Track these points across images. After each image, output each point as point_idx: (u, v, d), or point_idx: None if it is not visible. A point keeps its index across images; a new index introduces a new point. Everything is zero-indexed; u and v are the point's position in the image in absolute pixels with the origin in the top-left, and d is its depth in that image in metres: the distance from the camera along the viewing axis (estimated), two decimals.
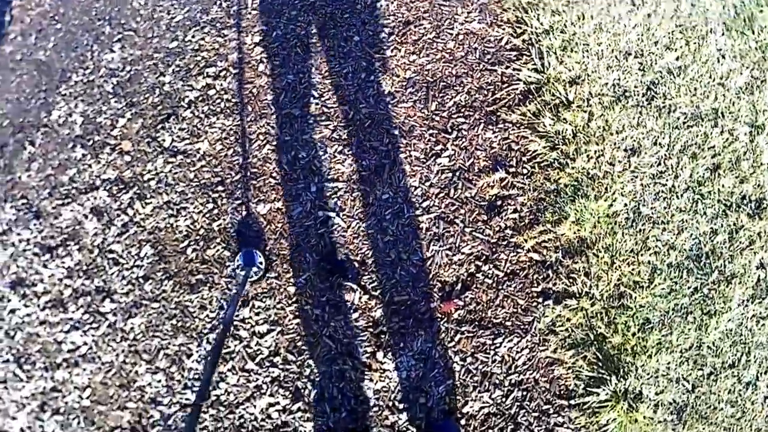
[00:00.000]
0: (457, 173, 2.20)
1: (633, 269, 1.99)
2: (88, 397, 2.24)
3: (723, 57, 2.35)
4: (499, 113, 2.28)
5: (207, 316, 2.18)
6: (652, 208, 2.18)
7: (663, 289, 1.97)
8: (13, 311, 2.49)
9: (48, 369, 2.28)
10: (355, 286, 2.11)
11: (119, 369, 2.20)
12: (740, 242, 2.04)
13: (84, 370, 2.26)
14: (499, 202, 2.16)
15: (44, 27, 3.31)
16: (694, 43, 2.38)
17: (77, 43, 3.06)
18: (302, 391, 1.99)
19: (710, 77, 2.31)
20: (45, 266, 2.49)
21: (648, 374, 1.88)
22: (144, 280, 2.30)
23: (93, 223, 2.50)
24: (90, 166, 2.61)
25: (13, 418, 2.23)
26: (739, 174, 2.16)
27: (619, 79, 2.34)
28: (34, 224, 2.61)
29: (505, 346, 1.91)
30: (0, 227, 2.69)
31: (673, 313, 1.96)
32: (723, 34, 2.40)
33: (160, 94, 2.66)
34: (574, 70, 2.33)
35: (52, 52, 3.14)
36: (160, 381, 2.13)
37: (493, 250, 2.08)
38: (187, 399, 2.08)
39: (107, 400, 2.17)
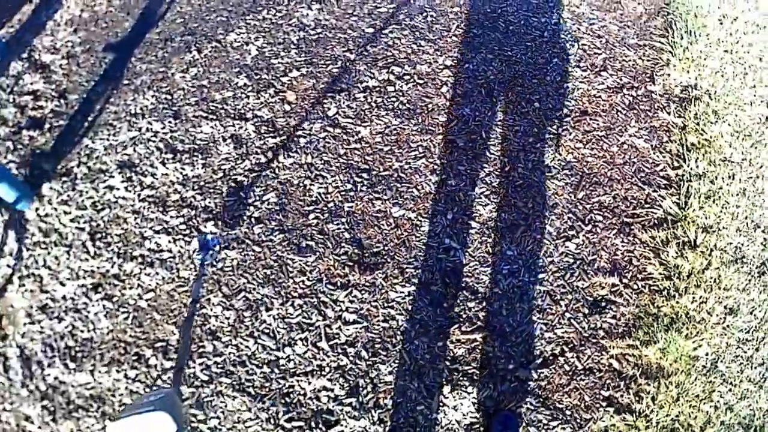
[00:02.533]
0: (578, 262, 2.49)
1: (692, 412, 2.31)
2: (148, 300, 2.49)
3: None
4: (633, 227, 2.58)
5: (302, 282, 2.44)
6: (727, 366, 2.44)
7: None
8: (110, 187, 2.75)
9: (120, 256, 2.49)
10: (450, 319, 2.33)
11: (193, 289, 2.36)
12: None
13: (157, 273, 2.53)
14: (603, 303, 2.44)
15: None
16: None
17: None
18: (360, 389, 2.18)
19: None
20: (163, 164, 2.75)
21: None
22: (256, 222, 2.55)
23: (229, 148, 2.76)
24: (248, 97, 2.90)
25: (62, 284, 2.40)
26: None
27: (742, 244, 2.72)
28: (169, 122, 2.88)
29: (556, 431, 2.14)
30: (134, 108, 2.86)
31: None
32: None
33: (341, 68, 2.97)
34: (708, 219, 2.67)
35: None
36: (228, 318, 2.34)
37: (582, 342, 2.36)
38: (247, 347, 2.25)
39: (166, 311, 2.39)
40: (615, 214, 2.66)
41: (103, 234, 2.58)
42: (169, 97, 2.99)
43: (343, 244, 2.53)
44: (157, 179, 2.73)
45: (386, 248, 2.51)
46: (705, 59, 3.28)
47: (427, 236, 2.54)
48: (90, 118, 2.95)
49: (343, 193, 2.63)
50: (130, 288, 2.46)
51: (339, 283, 2.43)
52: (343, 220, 2.57)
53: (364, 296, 2.41)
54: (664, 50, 3.29)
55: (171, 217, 2.63)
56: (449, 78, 2.96)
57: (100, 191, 2.70)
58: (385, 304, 2.40)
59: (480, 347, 2.31)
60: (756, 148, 2.94)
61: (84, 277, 2.48)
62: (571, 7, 3.49)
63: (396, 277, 2.45)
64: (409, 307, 2.39)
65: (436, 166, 2.69)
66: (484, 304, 2.40)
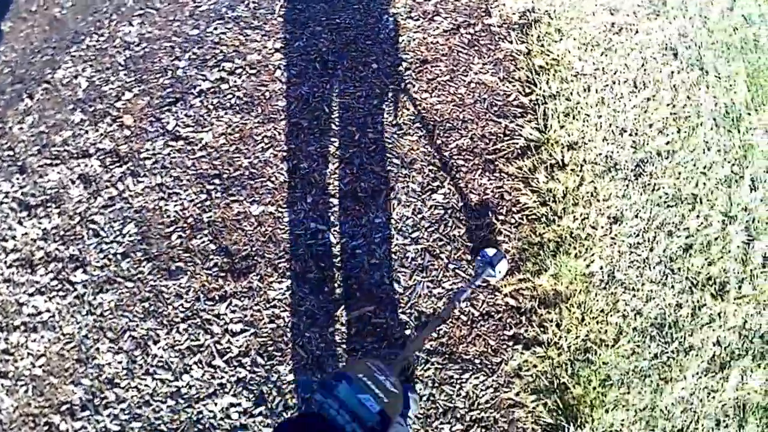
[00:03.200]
0: (449, 211, 2.47)
1: (601, 328, 2.29)
2: (41, 366, 2.41)
3: (708, 149, 2.76)
4: (497, 163, 2.56)
5: (181, 305, 2.38)
6: (625, 274, 2.47)
7: (626, 350, 2.28)
8: None
9: (3, 329, 2.40)
10: (334, 302, 2.30)
11: (80, 343, 2.38)
12: (701, 318, 2.42)
13: (42, 337, 2.44)
14: (483, 246, 2.39)
15: None
16: (685, 131, 2.81)
17: (96, 9, 3.37)
18: (266, 396, 2.16)
19: (694, 165, 2.71)
20: (20, 223, 2.66)
21: (603, 428, 2.12)
22: (122, 257, 2.49)
23: (79, 190, 2.69)
24: (87, 132, 2.82)
25: None
26: (708, 256, 2.50)
27: (612, 152, 2.72)
28: (17, 178, 2.78)
29: (470, 383, 2.15)
30: None
31: (632, 374, 2.27)
32: (712, 129, 2.83)
33: (171, 77, 2.89)
34: (572, 136, 2.67)
35: (68, 12, 3.40)
36: (120, 362, 2.28)
37: (473, 289, 2.30)
38: (146, 385, 2.21)
39: (61, 372, 2.32)
40: (476, 154, 2.65)
41: None
42: (11, 153, 2.88)
43: (211, 257, 2.48)
44: (18, 241, 2.64)
45: (254, 249, 2.47)
46: None
47: (291, 226, 2.50)
48: None
49: (199, 205, 2.57)
50: (21, 359, 2.39)
51: (216, 297, 2.40)
52: (206, 231, 2.52)
53: (245, 303, 2.37)
54: None
55: (40, 275, 2.55)
56: (281, 60, 2.90)
57: None
58: (267, 305, 2.37)
59: (372, 321, 2.30)
60: (606, 55, 2.96)
61: None
62: None
63: (270, 276, 2.41)
64: (291, 301, 2.36)
65: (285, 154, 2.64)
66: (364, 277, 2.38)
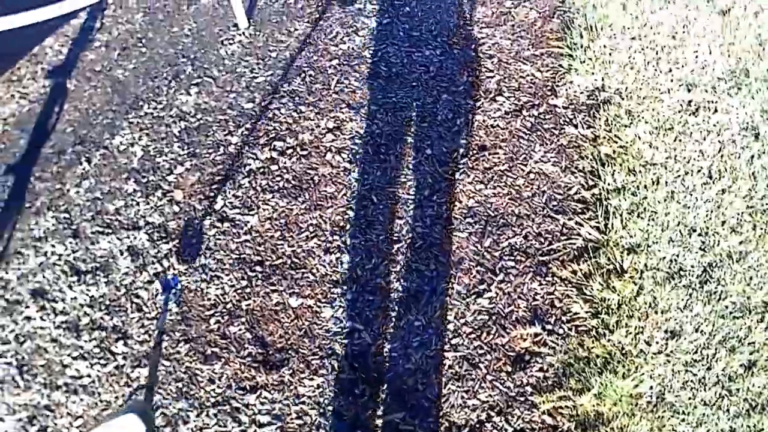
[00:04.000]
0: (494, 318, 2.54)
1: None
2: (78, 427, 2.62)
3: None
4: (550, 266, 2.61)
5: (213, 390, 2.56)
6: (677, 396, 2.44)
7: None
8: (28, 318, 2.91)
9: (47, 386, 2.70)
10: (364, 405, 2.40)
11: (116, 411, 2.52)
12: None
13: (81, 400, 2.74)
14: (527, 357, 2.49)
15: (129, 46, 4.01)
16: (761, 228, 2.75)
17: (156, 74, 3.69)
18: None
19: None
20: (70, 287, 2.96)
21: None
22: (160, 335, 2.63)
23: (126, 262, 2.94)
24: (138, 204, 3.07)
25: (1, 420, 2.57)
26: None
27: (677, 256, 2.77)
28: (70, 242, 3.08)
29: None
30: (38, 232, 3.10)
31: None
32: None
33: (223, 153, 3.10)
34: (635, 237, 2.71)
35: (130, 74, 3.78)
36: None
37: (509, 403, 2.44)
38: None
39: None
40: (529, 255, 2.69)
41: (29, 366, 2.77)
42: (67, 216, 3.19)
43: (246, 346, 2.65)
44: (67, 304, 2.91)
45: (289, 342, 2.62)
46: (611, 53, 3.31)
47: (328, 322, 2.64)
48: (1, 248, 3.15)
49: (239, 291, 2.76)
50: (61, 417, 2.64)
51: (248, 387, 2.56)
52: (243, 320, 2.69)
53: (274, 396, 2.52)
54: (563, 55, 3.33)
55: (84, 341, 2.81)
56: (333, 142, 3.07)
57: (20, 323, 2.89)
58: (296, 401, 2.50)
59: (400, 428, 2.39)
60: (680, 141, 2.94)
61: (20, 411, 2.68)
62: (457, 31, 3.66)
63: (302, 372, 2.56)
64: (321, 400, 2.48)
65: (329, 244, 2.80)
66: (397, 382, 2.47)
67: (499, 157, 2.95)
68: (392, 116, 3.13)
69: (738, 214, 2.74)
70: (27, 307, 2.96)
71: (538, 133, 3.03)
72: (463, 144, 3.02)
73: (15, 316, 2.92)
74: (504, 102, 3.18)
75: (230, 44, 3.70)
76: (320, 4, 4.07)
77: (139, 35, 3.89)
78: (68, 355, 2.79)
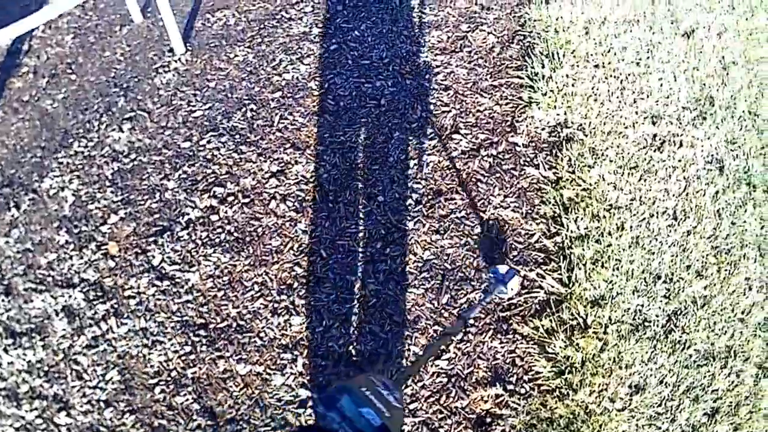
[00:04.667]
0: (453, 379, 2.51)
1: None
2: None
3: (750, 288, 2.74)
4: (511, 322, 2.58)
5: None
6: None
7: None
8: None
9: None
10: None
11: None
12: None
13: None
14: (489, 420, 2.46)
15: (58, 73, 3.95)
16: (726, 269, 2.78)
17: (87, 105, 3.67)
18: None
19: (732, 311, 2.69)
20: (5, 351, 2.82)
21: None
22: (105, 405, 2.69)
23: (63, 324, 2.87)
24: (71, 257, 2.97)
25: None
26: (734, 421, 2.48)
27: (642, 306, 2.74)
28: (2, 300, 2.98)
29: None
30: None
31: None
32: (755, 261, 2.81)
33: (159, 201, 2.98)
34: (599, 289, 2.71)
35: (60, 106, 3.70)
36: None
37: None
38: None
39: None
40: (488, 311, 2.66)
41: None
42: None
43: (194, 417, 2.60)
44: (4, 369, 2.79)
45: (239, 412, 2.57)
46: (573, 84, 3.26)
47: (280, 390, 2.60)
48: None
49: (183, 357, 2.68)
50: None
51: None
52: (190, 389, 2.63)
53: None
54: (523, 86, 3.25)
55: (26, 411, 2.70)
56: (277, 188, 2.98)
57: None
58: None
59: None
60: (645, 180, 2.92)
61: None
62: (410, 58, 3.60)
63: None
64: None
65: (276, 305, 2.73)
66: None
67: (456, 203, 2.89)
68: (341, 158, 3.04)
69: (703, 256, 2.76)
70: None
71: (498, 175, 2.98)
72: (418, 189, 2.96)
73: None
74: (461, 140, 3.14)
75: (165, 72, 3.55)
76: (262, 26, 3.96)
77: (69, 60, 3.72)
78: (10, 426, 2.68)
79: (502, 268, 2.50)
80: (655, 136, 3.16)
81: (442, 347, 2.58)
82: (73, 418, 2.73)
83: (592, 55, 3.50)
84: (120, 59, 3.80)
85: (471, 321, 2.52)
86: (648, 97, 3.32)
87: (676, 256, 2.79)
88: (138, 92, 3.53)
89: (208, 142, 3.21)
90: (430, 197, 2.97)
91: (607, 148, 3.08)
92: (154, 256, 2.96)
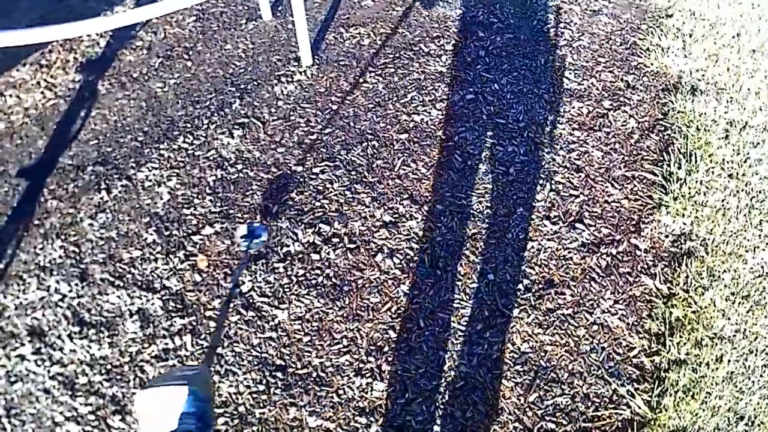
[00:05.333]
0: None
1: None
2: None
3: None
4: None
5: None
6: None
7: None
8: (21, 357, 2.77)
9: None
10: None
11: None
12: None
13: None
14: None
15: (173, 55, 4.19)
16: None
17: (199, 98, 3.92)
18: None
19: None
20: (70, 337, 3.22)
21: None
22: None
23: (135, 326, 3.20)
24: (156, 260, 3.28)
25: None
26: None
27: None
28: (76, 285, 3.36)
29: None
30: (42, 260, 3.03)
31: None
32: None
33: (260, 223, 3.02)
34: (683, 420, 2.82)
35: (170, 91, 3.65)
36: None
37: None
38: None
39: None
40: (571, 418, 2.60)
41: (18, 411, 2.66)
42: (76, 250, 3.08)
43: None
44: (65, 355, 2.81)
45: None
46: (705, 192, 3.27)
47: None
48: (1, 266, 2.98)
49: (255, 395, 2.65)
50: None
51: None
52: (254, 428, 2.55)
53: None
54: (655, 184, 3.17)
55: (80, 404, 2.70)
56: (387, 241, 2.93)
57: (12, 360, 2.77)
58: None
59: None
60: (753, 312, 2.91)
61: None
62: (546, 126, 3.54)
63: None
64: None
65: (362, 365, 2.68)
66: None
67: (565, 299, 2.81)
68: (458, 222, 2.98)
69: None
70: (22, 344, 2.87)
71: (612, 277, 2.89)
72: (530, 274, 2.90)
73: (8, 351, 2.82)
74: (583, 231, 3.09)
75: (288, 82, 3.54)
76: (397, 55, 3.97)
77: (187, 44, 3.77)
78: (60, 414, 2.70)
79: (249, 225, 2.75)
80: None
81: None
82: (128, 424, 2.72)
83: (728, 162, 3.47)
84: (241, 55, 3.85)
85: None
86: None
87: (764, 398, 2.70)
88: (255, 97, 3.55)
89: (322, 171, 3.21)
90: (540, 286, 2.91)
91: (724, 271, 3.05)
92: (243, 282, 2.98)
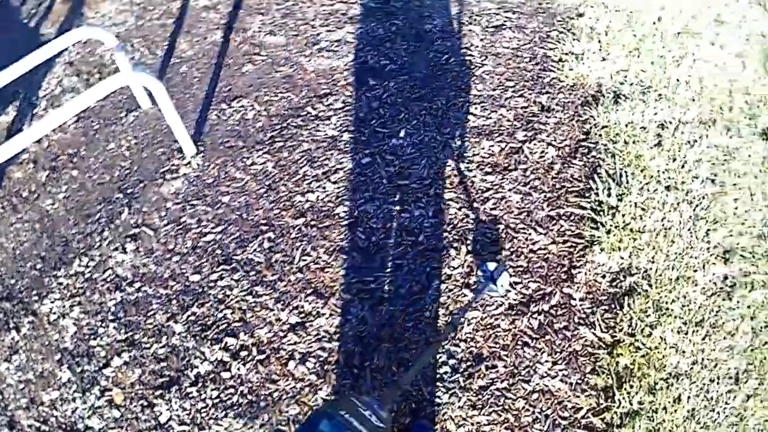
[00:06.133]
0: None
1: None
2: None
3: None
4: None
5: None
6: None
7: None
8: None
9: None
10: None
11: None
12: None
13: None
14: None
15: (58, 166, 3.72)
16: None
17: (89, 212, 3.47)
18: None
19: None
20: None
21: None
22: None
23: None
24: (75, 399, 3.05)
25: None
26: None
27: None
28: None
29: None
30: None
31: None
32: None
33: (166, 345, 2.87)
34: None
35: (60, 207, 3.54)
36: None
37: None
38: None
39: None
40: None
41: None
42: (0, 396, 2.90)
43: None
44: None
45: None
46: (642, 215, 3.13)
47: None
48: None
49: None
50: None
51: None
52: None
53: None
54: (585, 219, 3.03)
55: None
56: (297, 345, 2.92)
57: None
58: None
59: None
60: (710, 338, 2.85)
61: None
62: (455, 177, 3.38)
63: None
64: None
65: None
66: None
67: (497, 372, 2.72)
68: (369, 311, 2.93)
69: (760, 423, 2.57)
70: None
71: (548, 337, 2.80)
72: (456, 353, 2.81)
73: None
74: (508, 291, 2.97)
75: (174, 178, 3.50)
76: (284, 124, 3.74)
77: (71, 150, 3.79)
78: None
79: (491, 265, 2.60)
80: (725, 278, 3.03)
81: (432, 355, 2.69)
82: None
83: (664, 172, 3.33)
84: (125, 154, 3.76)
85: None
86: (722, 225, 3.13)
87: (732, 427, 2.59)
88: (143, 202, 3.46)
89: (220, 277, 3.11)
90: (469, 363, 2.83)
91: (672, 301, 2.94)
92: (161, 412, 2.93)
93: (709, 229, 3.11)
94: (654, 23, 4.28)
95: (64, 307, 3.24)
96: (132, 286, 3.19)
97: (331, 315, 2.97)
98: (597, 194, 3.27)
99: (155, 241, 3.29)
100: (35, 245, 3.51)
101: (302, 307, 3.01)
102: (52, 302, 3.25)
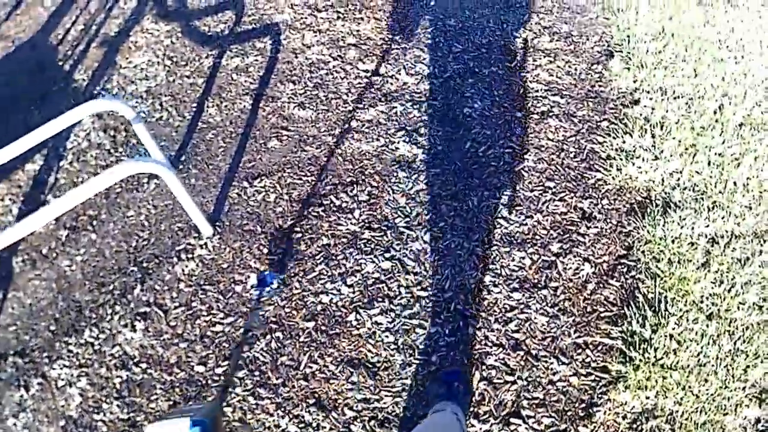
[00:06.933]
0: None
1: None
2: None
3: None
4: None
5: None
6: None
7: None
8: None
9: None
10: None
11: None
12: None
13: None
14: None
15: (78, 226, 3.76)
16: None
17: (104, 280, 3.54)
18: None
19: None
20: None
21: None
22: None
23: None
24: None
25: None
26: None
27: None
28: None
29: None
30: None
31: None
32: None
33: None
34: None
35: (77, 270, 3.60)
36: None
37: None
38: None
39: None
40: None
41: None
42: None
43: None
44: None
45: None
46: (677, 350, 3.03)
47: None
48: None
49: None
50: None
51: None
52: None
53: None
54: (613, 350, 3.10)
55: None
56: None
57: None
58: None
59: None
60: None
61: None
62: (478, 294, 3.27)
63: None
64: None
65: None
66: None
67: None
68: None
69: None
70: None
71: None
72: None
73: None
74: (519, 426, 2.82)
75: (188, 259, 3.71)
76: (304, 213, 3.77)
77: (92, 212, 3.96)
78: None
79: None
80: (758, 421, 2.88)
81: None
82: None
83: (707, 298, 3.14)
84: (144, 224, 3.86)
85: None
86: (762, 361, 2.96)
87: None
88: (157, 280, 3.57)
89: (225, 371, 3.20)
90: None
91: None
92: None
93: (748, 366, 2.93)
94: (715, 111, 3.99)
95: (71, 375, 3.36)
96: (138, 366, 3.30)
97: (330, 430, 3.00)
98: (630, 324, 3.11)
99: (164, 323, 3.39)
100: (51, 305, 3.63)
101: (303, 417, 3.06)
102: (61, 368, 3.37)
